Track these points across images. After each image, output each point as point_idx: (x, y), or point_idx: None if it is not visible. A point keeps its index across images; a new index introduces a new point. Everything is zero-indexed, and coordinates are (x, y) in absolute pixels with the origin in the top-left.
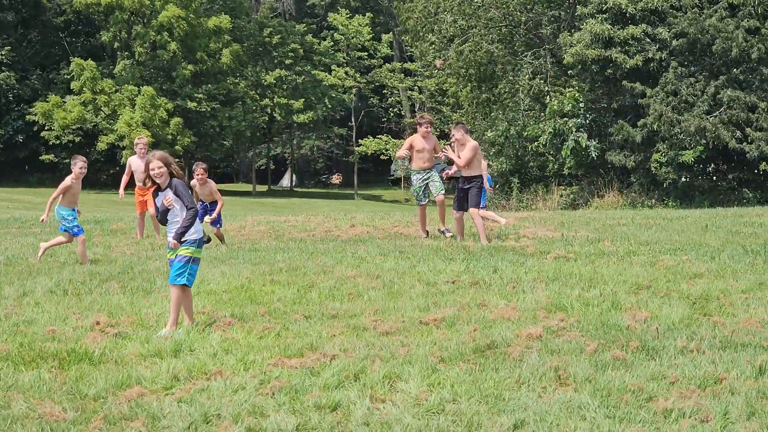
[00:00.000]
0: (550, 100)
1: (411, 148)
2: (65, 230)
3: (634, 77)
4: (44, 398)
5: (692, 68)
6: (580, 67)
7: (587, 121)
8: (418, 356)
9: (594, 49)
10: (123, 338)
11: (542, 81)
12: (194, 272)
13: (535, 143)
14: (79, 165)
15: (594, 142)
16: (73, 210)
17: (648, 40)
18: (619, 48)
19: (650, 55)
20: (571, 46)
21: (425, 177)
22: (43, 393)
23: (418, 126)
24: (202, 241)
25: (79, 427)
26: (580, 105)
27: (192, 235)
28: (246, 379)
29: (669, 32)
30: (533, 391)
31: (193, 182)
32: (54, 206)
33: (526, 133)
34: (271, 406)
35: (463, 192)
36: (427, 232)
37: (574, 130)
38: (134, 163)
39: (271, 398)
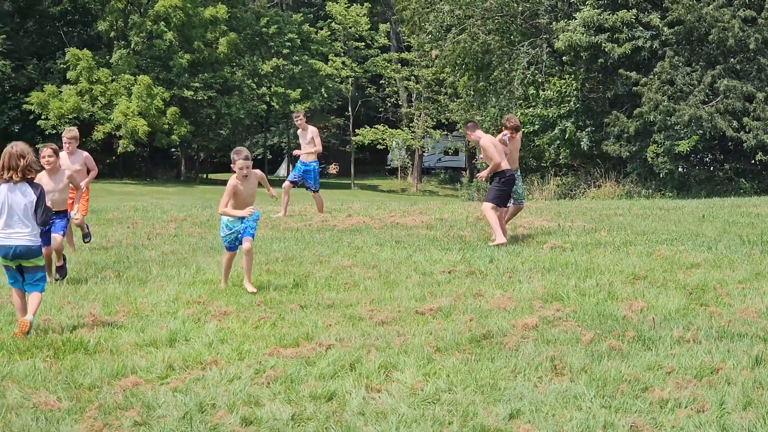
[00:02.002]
0: (542, 89)
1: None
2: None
3: (630, 66)
4: (39, 387)
5: (688, 57)
6: (573, 54)
7: (578, 110)
8: (413, 346)
9: (585, 35)
10: (118, 328)
11: (537, 71)
12: (8, 276)
13: (523, 130)
14: (237, 165)
15: (585, 133)
16: (238, 220)
17: (640, 27)
18: (608, 35)
19: (640, 44)
20: (563, 32)
21: None
22: (38, 382)
23: (504, 127)
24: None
25: (74, 416)
26: (573, 93)
27: None
28: (241, 369)
29: (662, 20)
30: (529, 380)
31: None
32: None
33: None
34: (267, 395)
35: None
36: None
37: (562, 119)
38: (63, 161)
39: (267, 388)
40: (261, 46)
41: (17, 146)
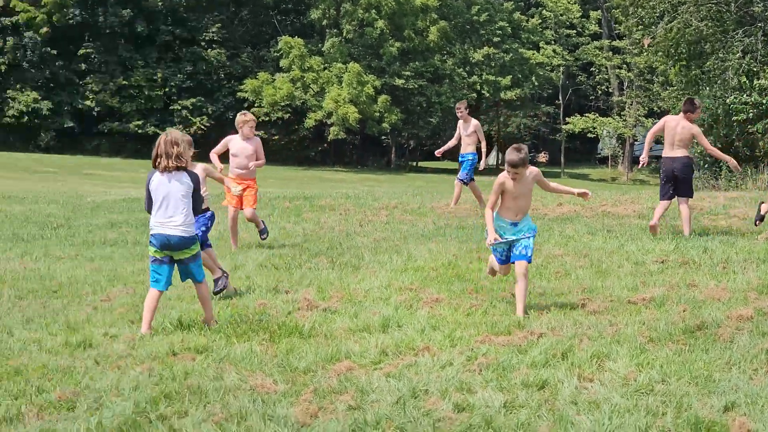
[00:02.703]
0: (757, 78)
1: None
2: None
3: None
4: (255, 370)
5: None
6: None
7: None
8: (626, 336)
9: None
10: (332, 313)
11: (752, 60)
12: (152, 271)
13: (737, 118)
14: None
15: None
16: (511, 223)
17: None
18: None
19: None
20: None
21: None
22: (254, 365)
23: None
24: (155, 239)
25: (289, 399)
26: None
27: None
28: (453, 356)
29: None
30: (744, 373)
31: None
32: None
33: (732, 112)
34: (479, 382)
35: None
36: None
37: None
38: (236, 144)
39: (479, 375)
40: (471, 35)
41: (172, 134)
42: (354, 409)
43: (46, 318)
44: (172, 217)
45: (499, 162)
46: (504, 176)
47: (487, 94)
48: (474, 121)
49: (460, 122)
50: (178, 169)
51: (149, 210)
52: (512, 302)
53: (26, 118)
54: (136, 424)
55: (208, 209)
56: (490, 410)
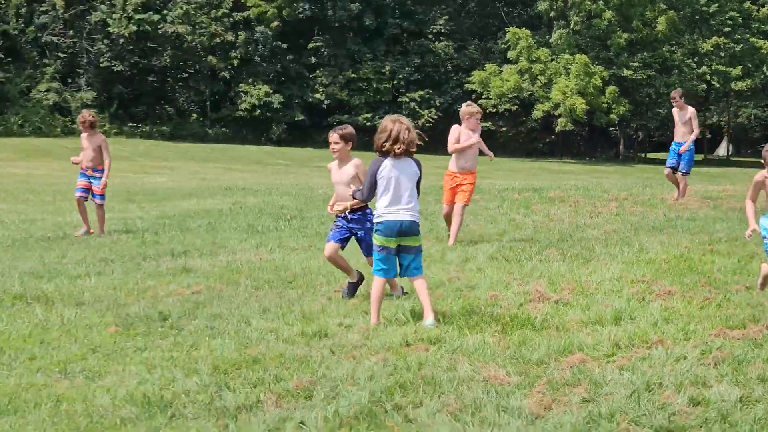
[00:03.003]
0: None
1: None
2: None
3: None
4: (488, 362)
5: None
6: None
7: None
8: None
9: None
10: (564, 305)
11: None
12: (378, 260)
13: None
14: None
15: None
16: None
17: None
18: None
19: None
20: None
21: None
22: (486, 356)
23: None
24: (386, 226)
25: (522, 390)
26: None
27: (375, 218)
28: (687, 349)
29: None
30: None
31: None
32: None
33: None
34: (714, 376)
35: None
36: None
37: None
38: (464, 137)
39: (714, 369)
40: (701, 25)
41: (403, 120)
42: (588, 402)
43: (282, 308)
44: (401, 204)
45: (730, 153)
46: (762, 175)
47: (717, 85)
48: (690, 109)
49: (675, 110)
50: (407, 155)
51: (368, 198)
52: (746, 294)
53: (258, 111)
54: (372, 413)
55: (366, 206)
56: (726, 404)
